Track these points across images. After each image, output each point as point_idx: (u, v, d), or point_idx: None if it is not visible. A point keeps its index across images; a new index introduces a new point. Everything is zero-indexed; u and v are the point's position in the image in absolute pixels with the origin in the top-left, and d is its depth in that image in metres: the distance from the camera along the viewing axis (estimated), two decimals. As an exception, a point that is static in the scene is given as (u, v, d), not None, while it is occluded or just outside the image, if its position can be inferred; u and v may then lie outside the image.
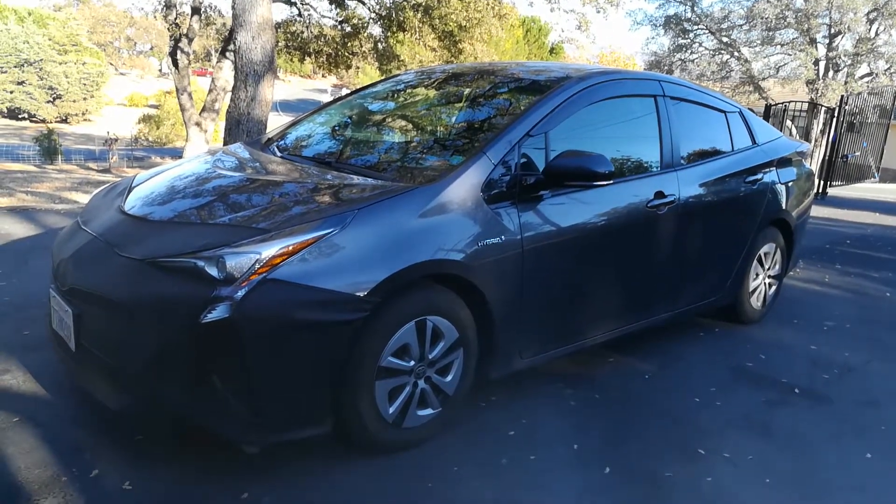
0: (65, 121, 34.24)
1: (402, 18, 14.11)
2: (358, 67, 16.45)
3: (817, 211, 8.80)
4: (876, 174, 13.09)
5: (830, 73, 20.53)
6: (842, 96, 11.67)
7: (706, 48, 23.38)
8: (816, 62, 20.52)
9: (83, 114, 35.30)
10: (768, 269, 4.11)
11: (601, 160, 2.63)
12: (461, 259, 2.40)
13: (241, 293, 2.02)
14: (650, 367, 3.38)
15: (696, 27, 23.06)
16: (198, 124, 13.06)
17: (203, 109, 13.28)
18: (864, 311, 4.59)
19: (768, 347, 3.78)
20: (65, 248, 2.52)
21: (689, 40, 23.31)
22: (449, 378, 2.51)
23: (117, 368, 2.19)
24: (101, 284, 2.24)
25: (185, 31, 13.22)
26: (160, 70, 59.59)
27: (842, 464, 2.62)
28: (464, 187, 2.48)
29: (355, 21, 14.93)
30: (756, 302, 4.09)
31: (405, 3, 13.90)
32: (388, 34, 15.24)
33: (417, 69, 4.38)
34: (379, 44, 15.78)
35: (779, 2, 19.74)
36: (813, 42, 20.56)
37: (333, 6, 14.56)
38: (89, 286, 2.28)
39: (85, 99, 34.97)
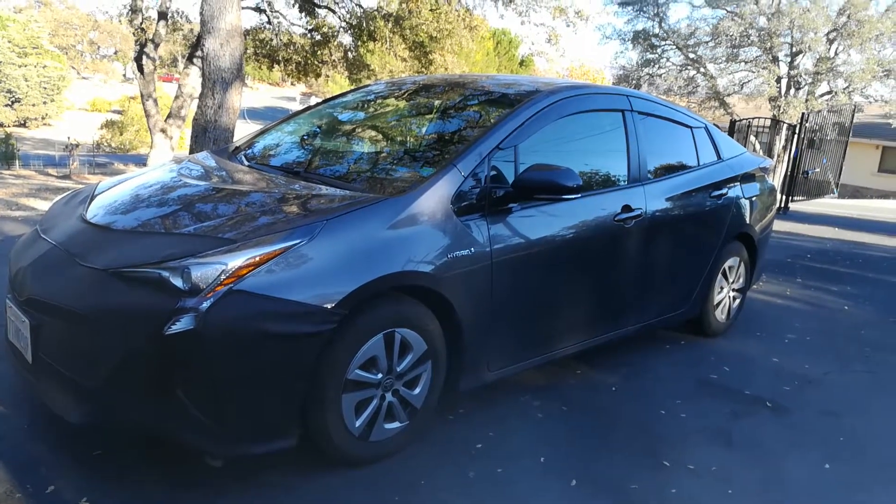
0: (23, 125, 33.38)
1: (372, 28, 14.10)
2: (328, 76, 16.38)
3: (779, 225, 9.01)
4: (835, 190, 13.47)
5: (792, 91, 21.09)
6: (802, 113, 11.99)
7: (673, 63, 23.84)
8: (779, 80, 21.06)
9: (43, 118, 34.47)
10: (732, 282, 4.19)
11: (569, 174, 2.66)
12: (430, 271, 2.40)
13: (206, 304, 1.99)
14: (617, 380, 3.41)
15: (663, 43, 23.50)
16: (163, 131, 12.85)
17: (169, 116, 13.06)
18: (824, 324, 4.71)
19: (732, 359, 3.85)
20: (23, 257, 2.45)
21: (656, 55, 23.73)
22: (417, 391, 2.50)
23: (76, 381, 2.13)
24: (61, 295, 2.18)
25: (151, 37, 13.01)
26: (124, 75, 58.56)
27: (801, 474, 2.67)
28: (434, 199, 2.48)
29: (325, 30, 14.87)
30: (721, 315, 4.16)
31: (376, 12, 13.90)
32: (359, 43, 15.21)
33: (388, 80, 4.39)
34: (349, 53, 15.74)
35: (743, 20, 20.25)
36: (775, 60, 21.11)
37: (303, 14, 14.49)
38: (48, 296, 2.22)
39: (45, 103, 34.17)
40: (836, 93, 20.25)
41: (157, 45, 13.21)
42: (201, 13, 6.74)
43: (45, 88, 34.01)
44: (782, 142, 14.85)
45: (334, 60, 15.25)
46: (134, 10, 13.11)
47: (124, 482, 2.19)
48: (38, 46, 33.65)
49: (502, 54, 38.79)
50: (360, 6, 14.25)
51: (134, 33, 13.23)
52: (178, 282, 2.02)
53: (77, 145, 18.68)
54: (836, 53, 20.44)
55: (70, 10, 51.49)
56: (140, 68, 13.23)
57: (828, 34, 19.84)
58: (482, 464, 2.50)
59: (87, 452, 2.32)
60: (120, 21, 15.20)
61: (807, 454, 2.83)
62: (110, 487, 2.15)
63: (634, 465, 2.60)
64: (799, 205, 12.15)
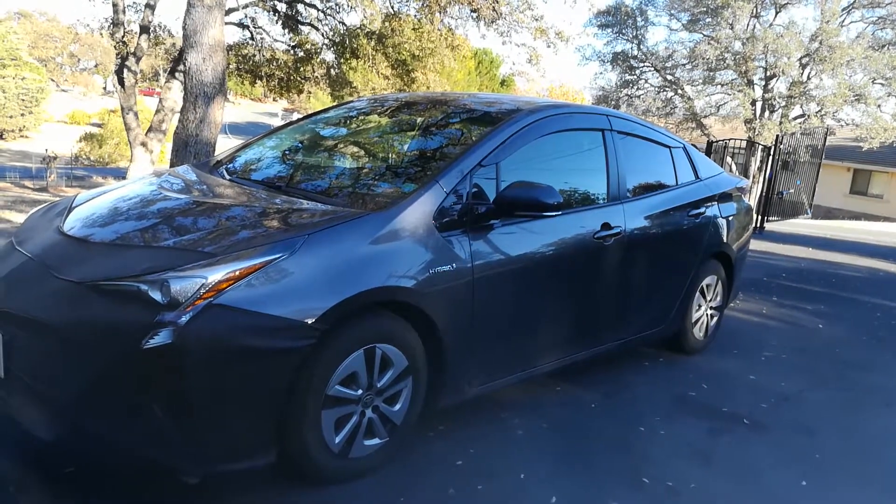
0: (0, 137, 32.97)
1: (355, 46, 14.15)
2: (310, 92, 16.39)
3: (755, 245, 9.13)
4: (809, 210, 13.71)
5: (767, 114, 21.51)
6: (777, 136, 12.24)
7: (651, 85, 24.25)
8: (754, 102, 21.49)
9: (20, 130, 34.07)
10: (710, 300, 4.24)
11: (550, 192, 2.68)
12: (412, 286, 2.40)
13: (185, 318, 1.97)
14: (596, 397, 3.42)
15: (642, 65, 23.92)
16: (143, 144, 12.73)
17: (150, 129, 12.93)
18: (799, 342, 4.77)
19: (710, 377, 3.88)
20: (-3, 270, 2.41)
21: (635, 77, 24.14)
22: (397, 407, 2.49)
23: (49, 396, 2.09)
24: (35, 308, 2.15)
25: (132, 50, 12.93)
26: (104, 88, 58.12)
27: (779, 491, 2.69)
28: (416, 215, 2.49)
29: (308, 46, 14.89)
30: (699, 332, 4.20)
31: (359, 30, 13.96)
32: (342, 60, 15.25)
33: (370, 96, 4.40)
34: (332, 70, 15.76)
35: (719, 44, 20.69)
36: (750, 83, 21.56)
37: (286, 31, 14.50)
38: (22, 310, 2.18)
39: (23, 115, 33.78)
40: (808, 116, 20.70)
41: (138, 59, 13.13)
42: (184, 28, 6.73)
43: (24, 100, 33.64)
44: (757, 163, 15.13)
45: (317, 77, 15.27)
46: (116, 23, 13.02)
47: (96, 501, 2.14)
48: (16, 58, 33.30)
49: (484, 73, 39.14)
50: (344, 24, 14.31)
51: (115, 46, 13.13)
52: (156, 295, 2.00)
53: (55, 158, 18.45)
54: (808, 78, 20.92)
55: (50, 22, 51.14)
56: (121, 81, 13.12)
57: (801, 59, 20.31)
58: (462, 481, 2.49)
59: (58, 470, 2.27)
60: (101, 34, 15.07)
61: (784, 471, 2.85)
62: (83, 505, 2.10)
63: (614, 483, 2.61)
64: (774, 225, 12.34)
